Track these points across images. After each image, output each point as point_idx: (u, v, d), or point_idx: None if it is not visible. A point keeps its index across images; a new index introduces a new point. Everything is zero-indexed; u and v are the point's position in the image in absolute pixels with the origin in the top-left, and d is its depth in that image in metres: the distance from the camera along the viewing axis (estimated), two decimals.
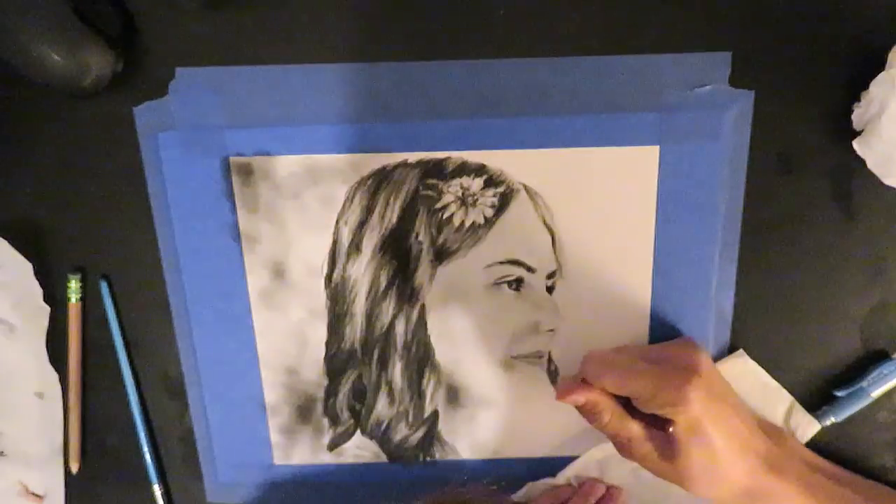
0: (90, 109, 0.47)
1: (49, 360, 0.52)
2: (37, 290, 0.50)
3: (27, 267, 0.50)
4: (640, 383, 0.44)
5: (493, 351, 0.52)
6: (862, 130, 0.45)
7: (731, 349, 0.52)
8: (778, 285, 0.50)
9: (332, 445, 0.55)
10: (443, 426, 0.54)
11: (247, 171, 0.48)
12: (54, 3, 0.42)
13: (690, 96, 0.46)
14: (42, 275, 0.51)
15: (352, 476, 0.55)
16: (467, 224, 0.49)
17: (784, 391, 0.52)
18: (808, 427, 0.52)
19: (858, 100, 0.45)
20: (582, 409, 0.47)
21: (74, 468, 0.54)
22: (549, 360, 0.52)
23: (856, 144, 0.45)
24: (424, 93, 0.46)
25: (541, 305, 0.51)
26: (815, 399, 0.52)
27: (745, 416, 0.46)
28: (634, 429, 0.45)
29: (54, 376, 0.53)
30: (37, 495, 0.56)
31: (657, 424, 0.45)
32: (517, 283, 0.50)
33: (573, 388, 0.46)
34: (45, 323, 0.51)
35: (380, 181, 0.48)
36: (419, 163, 0.48)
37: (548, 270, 0.50)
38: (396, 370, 0.52)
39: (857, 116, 0.45)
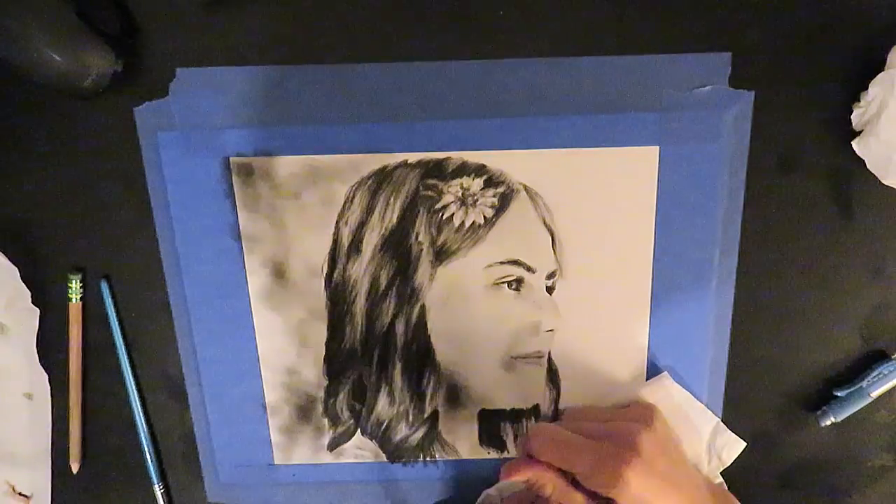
0: (90, 109, 0.47)
1: (43, 360, 0.52)
2: (24, 293, 0.50)
3: (14, 271, 0.50)
4: (579, 461, 0.44)
5: (494, 351, 0.52)
6: (861, 131, 0.45)
7: (732, 349, 0.52)
8: (778, 285, 0.50)
9: (332, 445, 0.55)
10: (443, 426, 0.54)
11: (247, 171, 0.48)
12: (54, 3, 0.42)
13: (690, 97, 0.46)
14: (42, 275, 0.51)
15: (352, 476, 0.55)
16: (467, 224, 0.49)
17: (708, 412, 0.52)
18: (734, 446, 0.52)
19: (858, 100, 0.45)
20: (527, 484, 0.47)
21: (75, 468, 0.54)
22: (549, 360, 0.52)
23: (855, 145, 0.45)
24: (424, 93, 0.47)
25: (541, 305, 0.51)
26: (815, 399, 0.53)
27: (692, 488, 0.46)
28: (578, 500, 0.45)
29: (44, 377, 0.53)
30: (24, 495, 0.56)
31: (602, 498, 0.44)
32: (517, 284, 0.50)
33: (517, 466, 0.46)
34: (35, 324, 0.51)
35: (380, 181, 0.49)
36: (419, 163, 0.48)
37: (548, 270, 0.50)
38: (396, 370, 0.52)
39: (857, 117, 0.45)
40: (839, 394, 0.51)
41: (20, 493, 0.56)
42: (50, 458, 0.55)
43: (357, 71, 0.46)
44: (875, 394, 0.51)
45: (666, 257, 0.50)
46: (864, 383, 0.51)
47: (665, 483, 0.44)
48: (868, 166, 0.45)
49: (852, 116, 0.45)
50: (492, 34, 0.46)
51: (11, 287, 0.50)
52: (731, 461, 0.52)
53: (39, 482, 0.55)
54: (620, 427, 0.46)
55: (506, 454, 0.54)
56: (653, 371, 0.52)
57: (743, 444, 0.52)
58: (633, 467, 0.43)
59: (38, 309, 0.51)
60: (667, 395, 0.51)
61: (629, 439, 0.44)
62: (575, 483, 0.45)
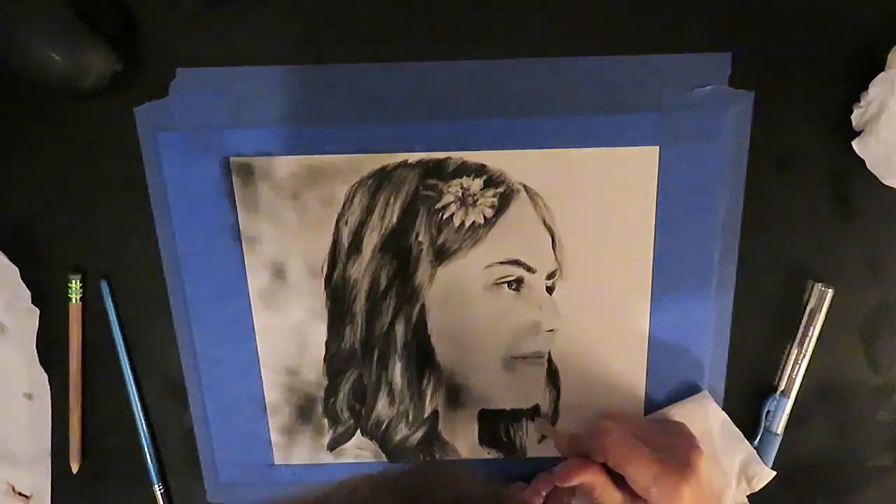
0: (90, 110, 0.47)
1: (43, 360, 0.52)
2: (24, 293, 0.50)
3: (14, 270, 0.50)
4: (644, 472, 0.45)
5: (494, 351, 0.52)
6: (861, 131, 0.45)
7: (732, 349, 0.52)
8: (778, 285, 0.50)
9: (333, 445, 0.55)
10: (443, 426, 0.54)
11: (247, 172, 0.48)
12: (54, 3, 0.42)
13: (691, 97, 0.46)
14: (42, 275, 0.51)
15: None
16: (467, 224, 0.49)
17: (745, 441, 0.52)
18: (764, 476, 0.53)
19: (858, 100, 0.45)
20: (583, 487, 0.47)
21: (75, 468, 0.54)
22: (549, 361, 0.52)
23: (855, 145, 0.45)
24: (424, 93, 0.47)
25: (541, 306, 0.51)
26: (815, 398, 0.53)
27: None
28: (617, 498, 0.46)
29: (43, 377, 0.53)
30: (23, 495, 0.56)
31: (639, 501, 0.46)
32: (517, 284, 0.50)
33: (577, 470, 0.46)
34: (35, 324, 0.51)
35: (380, 181, 0.48)
36: (419, 163, 0.48)
37: (548, 271, 0.50)
38: (396, 370, 0.52)
39: (857, 117, 0.45)
40: (754, 444, 0.52)
41: (20, 493, 0.56)
42: (50, 458, 0.55)
43: (357, 71, 0.46)
44: (780, 430, 0.52)
45: (666, 257, 0.50)
46: (770, 426, 0.52)
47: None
48: (868, 166, 0.45)
49: (852, 116, 0.45)
50: (492, 34, 0.46)
51: (11, 287, 0.50)
52: (760, 488, 0.53)
53: (39, 482, 0.55)
54: (677, 442, 0.48)
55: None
56: (653, 370, 0.52)
57: (772, 474, 0.52)
58: (691, 485, 0.45)
59: (37, 309, 0.51)
60: (705, 415, 0.51)
61: (687, 456, 0.46)
62: (613, 480, 0.46)
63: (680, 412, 0.52)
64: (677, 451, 0.46)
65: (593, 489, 0.46)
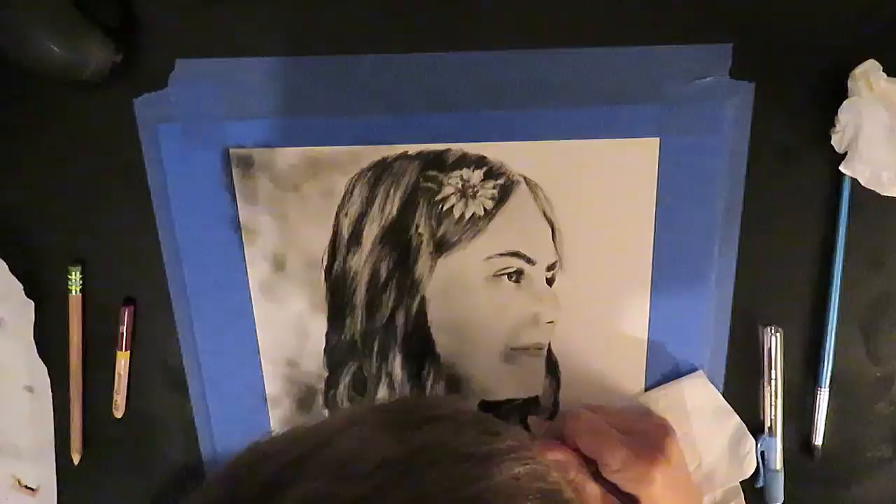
0: (90, 101, 0.47)
1: (44, 352, 0.52)
2: (17, 286, 0.50)
3: (2, 266, 0.50)
4: (612, 455, 0.45)
5: (494, 343, 0.52)
6: (846, 153, 0.45)
7: (731, 341, 0.52)
8: (778, 277, 0.50)
9: None
10: None
11: (247, 163, 0.48)
12: None
13: (691, 88, 0.46)
14: (42, 267, 0.51)
15: None
16: (467, 216, 0.49)
17: (734, 415, 0.52)
18: (752, 459, 0.53)
19: (834, 125, 0.45)
20: (554, 464, 0.47)
21: (76, 459, 0.55)
22: (549, 352, 0.52)
23: (843, 168, 0.46)
24: (425, 85, 0.46)
25: (541, 297, 0.51)
26: (813, 392, 0.53)
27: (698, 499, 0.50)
28: (593, 490, 0.46)
29: (43, 369, 0.53)
30: (30, 488, 0.56)
31: (614, 491, 0.46)
32: (517, 275, 0.50)
33: (549, 447, 0.47)
34: (32, 317, 0.51)
35: (380, 173, 0.48)
36: (419, 154, 0.48)
37: (548, 262, 0.50)
38: (397, 362, 0.53)
39: (837, 141, 0.45)
40: (759, 485, 0.53)
41: (26, 486, 0.56)
42: (53, 451, 0.55)
43: (357, 63, 0.46)
44: (779, 465, 0.52)
45: (666, 249, 0.50)
46: (768, 464, 0.53)
47: (681, 491, 0.47)
48: (863, 184, 0.45)
49: (832, 142, 0.46)
50: (492, 25, 0.46)
51: (3, 281, 0.50)
52: (752, 472, 0.53)
53: (44, 475, 0.55)
54: (650, 429, 0.48)
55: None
56: (652, 361, 0.52)
57: (756, 458, 0.52)
58: (661, 469, 0.45)
59: (32, 301, 0.51)
60: (698, 393, 0.52)
61: (660, 442, 0.47)
62: (589, 470, 0.47)
63: (673, 389, 0.52)
64: (650, 438, 0.47)
65: (567, 470, 0.46)
